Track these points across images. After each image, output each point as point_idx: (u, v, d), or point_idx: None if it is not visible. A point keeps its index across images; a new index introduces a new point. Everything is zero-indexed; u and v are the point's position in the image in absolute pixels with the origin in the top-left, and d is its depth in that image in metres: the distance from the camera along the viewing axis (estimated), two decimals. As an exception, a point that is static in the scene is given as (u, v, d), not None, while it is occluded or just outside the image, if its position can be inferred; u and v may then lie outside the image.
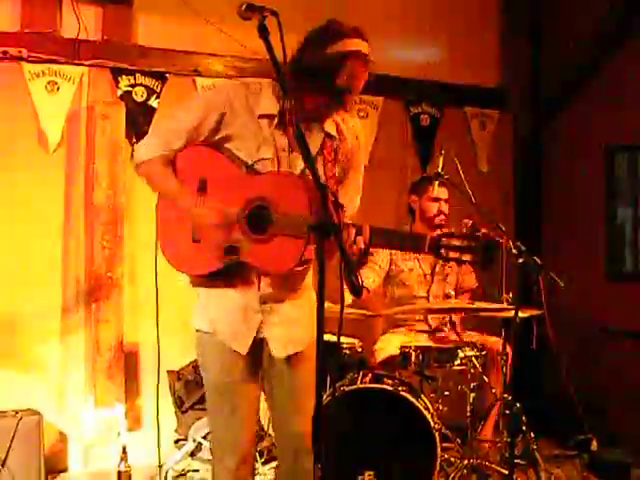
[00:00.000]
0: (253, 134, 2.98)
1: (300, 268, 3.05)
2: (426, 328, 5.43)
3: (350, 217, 3.13)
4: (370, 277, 5.38)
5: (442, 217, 5.32)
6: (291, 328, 3.08)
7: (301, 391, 3.07)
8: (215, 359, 3.10)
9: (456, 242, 2.72)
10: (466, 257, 2.72)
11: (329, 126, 3.06)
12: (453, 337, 5.12)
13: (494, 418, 5.28)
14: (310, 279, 3.21)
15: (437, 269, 5.46)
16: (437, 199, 5.34)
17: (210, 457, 3.31)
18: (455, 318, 5.22)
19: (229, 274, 3.01)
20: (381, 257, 5.44)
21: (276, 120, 2.97)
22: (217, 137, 3.00)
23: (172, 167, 3.02)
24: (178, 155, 3.02)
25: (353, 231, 2.80)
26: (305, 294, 3.17)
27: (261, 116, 2.98)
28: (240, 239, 2.93)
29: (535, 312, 4.73)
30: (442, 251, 2.74)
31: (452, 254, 2.73)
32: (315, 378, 2.46)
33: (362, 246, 2.78)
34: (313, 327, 3.04)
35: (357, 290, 2.35)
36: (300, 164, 2.98)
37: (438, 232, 2.80)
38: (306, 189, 2.83)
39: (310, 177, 2.84)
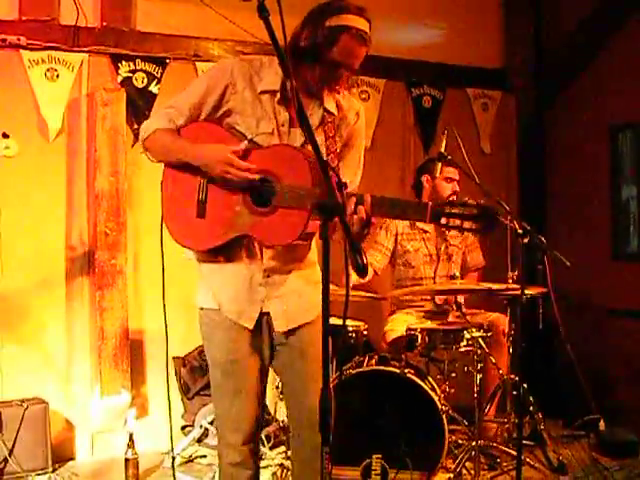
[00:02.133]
0: (252, 109, 2.99)
1: (304, 242, 3.06)
2: (434, 309, 5.43)
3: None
4: (377, 257, 5.40)
5: (454, 197, 5.32)
6: (294, 301, 3.09)
7: (314, 364, 3.04)
8: (220, 337, 3.10)
9: (457, 210, 2.70)
10: (467, 225, 2.70)
11: (328, 103, 3.07)
12: (459, 319, 5.11)
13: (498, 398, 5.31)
14: (315, 255, 3.21)
15: (442, 249, 5.47)
16: (451, 179, 5.36)
17: (217, 443, 3.30)
18: (460, 299, 5.22)
19: (233, 248, 3.01)
20: (387, 237, 5.46)
21: (278, 96, 2.99)
22: (219, 113, 3.02)
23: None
24: (181, 132, 3.02)
25: (353, 200, 2.78)
26: (309, 268, 3.17)
27: (263, 92, 3.00)
28: (243, 212, 2.93)
29: (540, 290, 4.73)
30: (443, 219, 2.72)
31: (453, 222, 2.71)
32: (322, 363, 2.44)
33: (363, 215, 2.76)
34: (318, 301, 3.08)
35: (362, 270, 2.33)
36: (300, 139, 3.00)
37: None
38: (308, 162, 2.83)
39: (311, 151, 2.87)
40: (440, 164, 4.97)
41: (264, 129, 2.98)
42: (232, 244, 2.99)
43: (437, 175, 5.20)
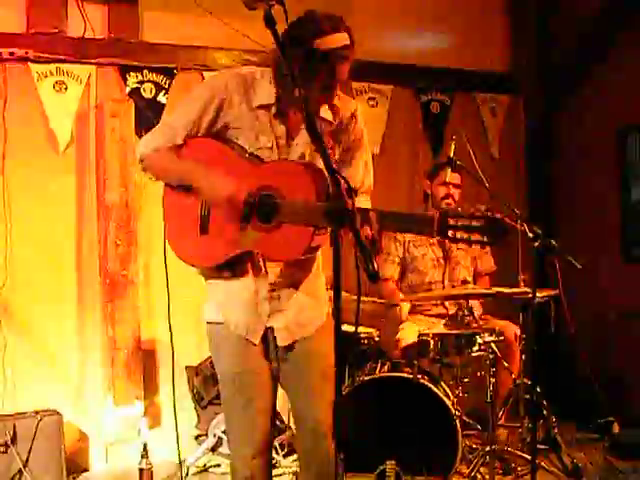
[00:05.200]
0: (250, 124, 2.97)
1: (309, 255, 3.03)
2: (443, 312, 5.43)
3: (367, 193, 3.15)
4: (392, 268, 5.41)
5: (449, 201, 5.31)
6: (296, 315, 3.07)
7: (317, 378, 3.06)
8: (228, 350, 3.09)
9: (464, 222, 2.66)
10: (475, 237, 2.65)
11: (324, 111, 3.04)
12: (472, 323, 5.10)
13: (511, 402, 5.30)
14: (321, 266, 3.18)
15: (449, 253, 5.47)
16: (446, 183, 5.34)
17: (229, 456, 3.30)
18: (472, 304, 5.20)
19: (238, 263, 3.00)
20: (396, 246, 5.46)
21: (274, 109, 2.97)
22: (216, 128, 2.99)
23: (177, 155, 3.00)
24: (181, 149, 2.99)
25: (359, 218, 2.73)
26: (315, 280, 3.16)
27: (259, 107, 2.97)
28: (247, 227, 2.90)
29: (551, 293, 4.72)
30: (450, 232, 2.64)
31: (460, 235, 2.66)
32: (335, 368, 2.44)
33: (369, 233, 2.72)
34: (323, 313, 3.12)
35: (373, 276, 2.32)
36: (298, 151, 2.99)
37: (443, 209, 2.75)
38: (312, 176, 2.81)
39: (313, 163, 2.88)
40: (449, 169, 4.97)
41: (264, 143, 2.97)
42: (237, 259, 2.97)
43: (436, 180, 5.24)
